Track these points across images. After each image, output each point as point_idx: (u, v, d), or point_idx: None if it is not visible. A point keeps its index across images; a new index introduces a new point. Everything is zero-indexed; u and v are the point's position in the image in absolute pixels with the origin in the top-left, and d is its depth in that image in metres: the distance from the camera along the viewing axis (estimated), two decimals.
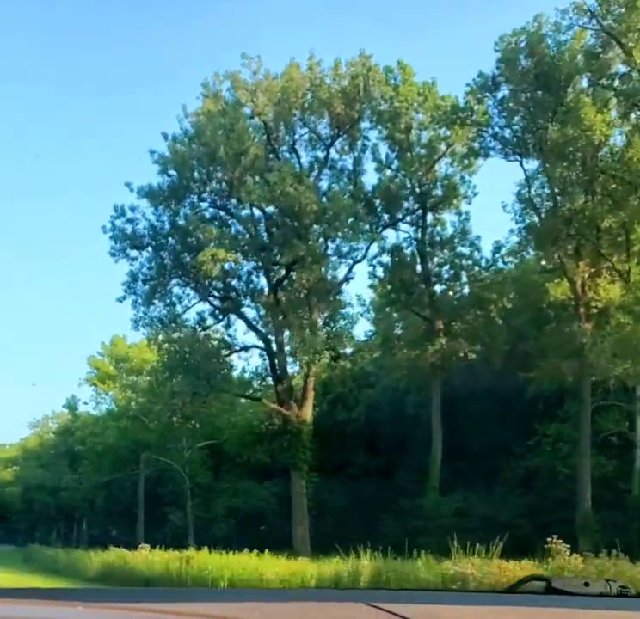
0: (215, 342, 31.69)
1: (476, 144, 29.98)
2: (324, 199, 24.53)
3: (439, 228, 33.41)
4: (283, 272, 28.39)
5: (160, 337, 30.55)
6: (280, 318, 27.60)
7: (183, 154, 26.88)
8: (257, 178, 25.41)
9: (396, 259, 33.48)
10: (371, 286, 34.10)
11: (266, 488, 50.06)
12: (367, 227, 27.10)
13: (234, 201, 28.28)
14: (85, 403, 51.35)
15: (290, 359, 31.77)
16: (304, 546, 29.72)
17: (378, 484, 37.60)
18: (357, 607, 1.59)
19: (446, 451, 33.84)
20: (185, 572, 17.48)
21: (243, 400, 48.97)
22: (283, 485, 49.60)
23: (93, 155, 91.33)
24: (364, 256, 31.49)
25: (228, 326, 33.78)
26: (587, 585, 1.80)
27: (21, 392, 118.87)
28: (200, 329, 32.45)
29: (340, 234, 23.58)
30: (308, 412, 31.10)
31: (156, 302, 33.97)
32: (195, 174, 27.09)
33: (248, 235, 27.34)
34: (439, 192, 32.85)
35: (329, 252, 26.22)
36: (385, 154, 32.77)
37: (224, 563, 17.63)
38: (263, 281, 34.26)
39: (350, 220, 24.45)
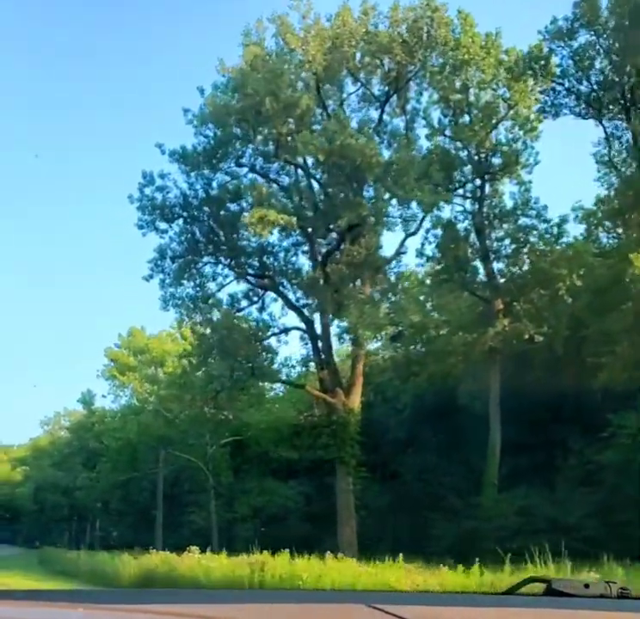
0: (253, 324, 28.72)
1: (543, 101, 26.92)
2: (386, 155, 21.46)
3: (498, 199, 30.40)
4: (335, 241, 25.35)
5: (192, 319, 27.57)
6: (329, 294, 24.57)
7: (223, 109, 23.91)
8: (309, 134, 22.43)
9: (450, 233, 30.49)
10: (421, 264, 30.97)
11: (291, 487, 47.12)
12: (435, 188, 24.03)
13: (280, 163, 25.30)
14: (103, 396, 48.48)
15: (335, 343, 28.81)
16: (351, 548, 26.66)
17: (424, 481, 34.56)
18: (357, 608, 1.63)
19: (501, 445, 30.81)
20: (258, 579, 14.39)
21: (270, 392, 46.46)
22: (311, 483, 46.99)
23: (121, 122, 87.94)
24: (418, 228, 28.54)
25: (262, 308, 30.86)
26: (587, 586, 1.80)
27: (28, 392, 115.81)
28: (234, 310, 29.49)
29: (405, 193, 20.56)
30: (356, 400, 28.09)
31: (184, 282, 31.12)
32: (236, 130, 24.11)
33: (298, 198, 24.26)
34: (498, 159, 29.84)
35: (391, 215, 23.18)
36: (438, 118, 29.79)
37: (302, 568, 14.68)
38: (302, 260, 31.45)
39: (418, 178, 21.44)
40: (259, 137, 23.92)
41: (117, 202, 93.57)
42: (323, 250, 27.89)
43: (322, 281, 26.13)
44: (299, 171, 25.53)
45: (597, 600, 1.76)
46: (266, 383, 29.83)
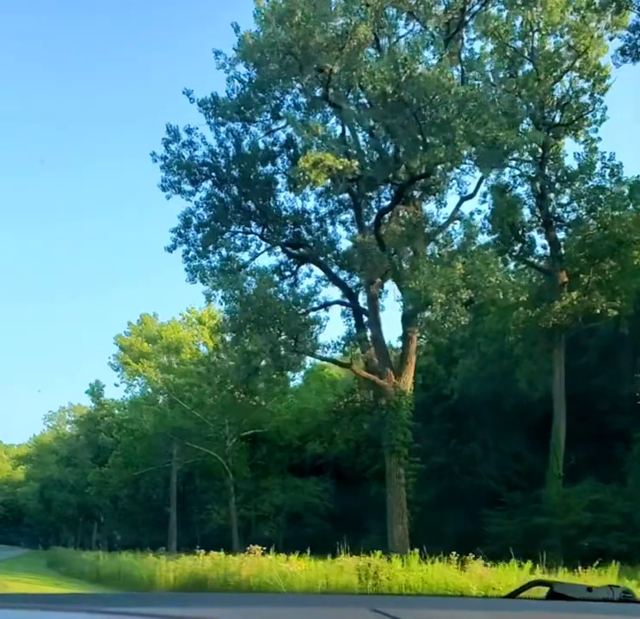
0: (290, 297, 25.61)
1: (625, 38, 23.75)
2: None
3: (561, 160, 27.31)
4: (390, 197, 22.21)
5: (227, 288, 24.45)
6: (385, 258, 21.44)
7: (264, 42, 20.75)
8: (366, 71, 19.31)
9: (506, 198, 27.42)
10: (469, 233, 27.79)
11: (316, 483, 44.02)
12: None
13: (324, 111, 22.21)
14: (116, 385, 45.22)
15: (379, 318, 25.71)
16: (403, 548, 23.52)
17: (472, 474, 31.51)
18: (361, 612, 1.61)
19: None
20: (372, 587, 11.21)
21: (293, 381, 43.24)
22: (338, 478, 43.93)
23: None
24: (476, 190, 25.46)
25: (295, 283, 27.79)
26: (589, 590, 1.80)
27: (28, 390, 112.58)
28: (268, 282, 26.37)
29: (485, 132, 17.44)
30: (408, 381, 24.95)
31: (210, 255, 28.07)
32: (277, 69, 20.91)
33: (353, 149, 20.95)
34: (563, 115, 26.76)
35: (465, 162, 19.94)
36: (495, 69, 26.64)
37: (421, 573, 11.59)
38: (340, 231, 28.35)
39: (500, 115, 18.32)
40: (306, 78, 20.74)
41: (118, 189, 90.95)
42: (373, 212, 24.82)
43: (375, 245, 23.00)
44: (351, 118, 22.24)
45: (600, 604, 1.75)
46: (289, 372, 26.55)
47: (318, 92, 21.59)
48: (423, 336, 28.58)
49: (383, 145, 19.34)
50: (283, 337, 24.00)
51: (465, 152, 17.94)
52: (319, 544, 31.50)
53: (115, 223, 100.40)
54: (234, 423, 42.03)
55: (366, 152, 20.60)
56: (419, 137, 18.34)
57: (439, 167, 19.80)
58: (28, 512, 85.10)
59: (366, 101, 21.13)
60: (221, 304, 26.31)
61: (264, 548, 15.98)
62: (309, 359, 40.51)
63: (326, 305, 26.32)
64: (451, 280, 18.11)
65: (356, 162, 18.52)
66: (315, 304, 26.16)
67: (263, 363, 23.42)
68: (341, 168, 18.05)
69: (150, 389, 43.39)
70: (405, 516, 25.09)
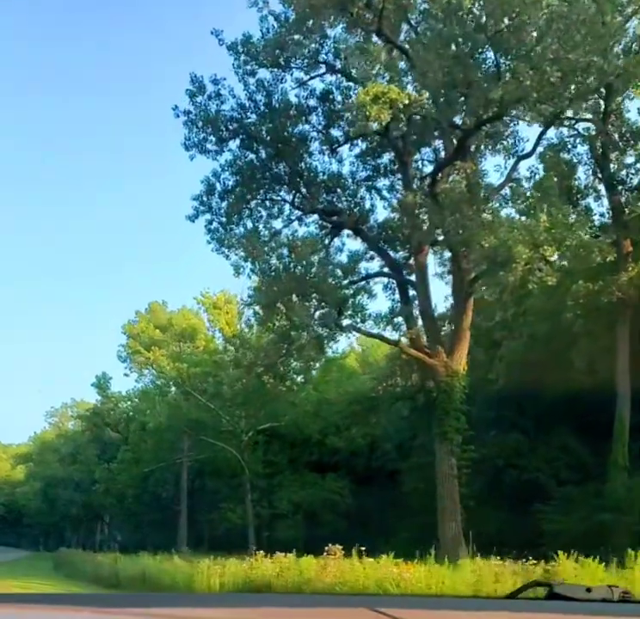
0: (329, 267, 22.99)
1: None
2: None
3: (626, 116, 24.70)
4: (458, 140, 19.52)
5: (257, 258, 21.84)
6: (445, 217, 18.80)
7: None
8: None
9: (563, 160, 24.81)
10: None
11: (334, 480, 41.35)
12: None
13: (383, 40, 19.43)
14: (125, 375, 42.45)
15: (429, 286, 23.09)
16: (458, 548, 20.92)
17: (518, 467, 28.85)
18: (361, 612, 1.61)
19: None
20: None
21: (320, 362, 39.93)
22: (361, 474, 41.32)
23: None
24: (534, 148, 22.82)
25: (327, 257, 25.13)
26: (589, 590, 1.80)
27: (25, 387, 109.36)
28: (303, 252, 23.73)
29: (577, 57, 14.83)
30: (461, 360, 22.31)
31: (234, 226, 25.44)
32: (319, 2, 18.22)
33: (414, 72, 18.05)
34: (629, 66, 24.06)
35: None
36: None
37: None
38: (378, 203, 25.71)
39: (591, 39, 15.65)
40: (354, 9, 18.03)
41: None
42: (419, 174, 22.21)
43: (424, 207, 20.40)
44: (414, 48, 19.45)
45: (599, 604, 1.76)
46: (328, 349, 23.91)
47: (363, 33, 18.93)
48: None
49: (448, 82, 16.76)
50: (324, 310, 21.38)
51: (553, 79, 15.24)
52: (342, 545, 29.04)
53: (119, 207, 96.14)
54: (250, 416, 39.38)
55: (426, 91, 17.96)
56: (494, 68, 15.72)
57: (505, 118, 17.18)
58: (29, 513, 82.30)
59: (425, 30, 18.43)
60: (250, 277, 23.65)
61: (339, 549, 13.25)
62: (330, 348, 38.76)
63: (368, 277, 23.69)
64: (535, 234, 15.49)
65: (425, 94, 15.90)
66: (356, 278, 23.59)
67: (303, 339, 20.73)
68: (406, 102, 15.43)
69: (160, 381, 40.67)
70: (458, 512, 22.44)
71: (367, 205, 24.36)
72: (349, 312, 21.12)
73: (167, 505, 49.11)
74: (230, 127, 23.36)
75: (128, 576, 20.23)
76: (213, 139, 23.64)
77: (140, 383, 42.54)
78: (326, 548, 14.25)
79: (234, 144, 24.30)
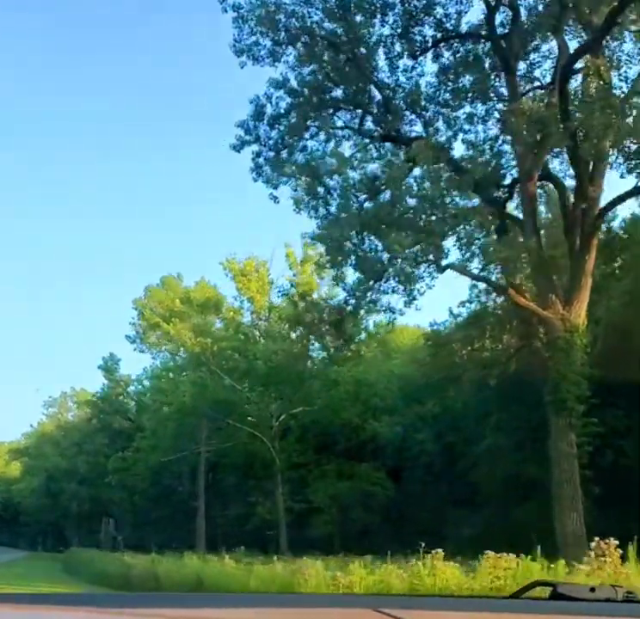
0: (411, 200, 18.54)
1: None
2: None
3: None
4: (605, 20, 15.20)
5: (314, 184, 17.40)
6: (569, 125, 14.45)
7: None
8: None
9: None
10: None
11: (374, 469, 36.99)
12: None
13: None
14: (141, 351, 37.84)
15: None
16: (579, 546, 16.49)
17: (614, 448, 24.56)
18: (365, 613, 1.61)
19: None
20: None
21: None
22: (400, 464, 37.08)
23: None
24: None
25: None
26: (592, 590, 1.80)
27: (18, 386, 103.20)
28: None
29: None
30: (581, 312, 17.99)
31: (282, 157, 21.07)
32: None
33: None
34: None
35: None
36: None
37: None
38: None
39: None
40: None
41: None
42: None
43: (552, 109, 16.02)
44: None
45: (602, 604, 1.76)
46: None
47: None
48: None
49: None
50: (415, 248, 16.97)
51: None
52: (386, 542, 24.44)
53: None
54: (283, 398, 34.95)
55: None
56: None
57: None
58: (25, 511, 77.84)
59: None
60: (311, 217, 19.24)
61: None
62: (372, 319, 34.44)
63: (463, 213, 19.24)
64: None
65: None
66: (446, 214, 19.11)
67: (390, 278, 16.31)
68: None
69: (177, 358, 36.11)
70: (579, 500, 18.08)
71: (460, 126, 19.97)
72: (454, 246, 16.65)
73: (183, 500, 44.65)
74: (291, 27, 18.87)
75: (178, 582, 15.70)
76: (268, 44, 19.17)
77: (157, 360, 38.03)
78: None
79: (293, 54, 19.83)
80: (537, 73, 19.01)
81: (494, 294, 21.80)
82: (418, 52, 19.42)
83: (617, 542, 9.94)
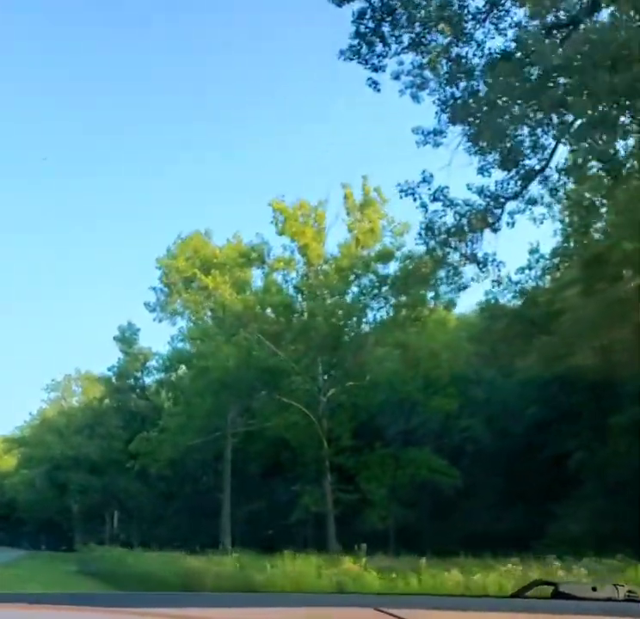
0: None
1: None
2: None
3: None
4: None
5: None
6: None
7: None
8: None
9: None
10: None
11: (437, 455, 31.76)
12: None
13: None
14: (176, 314, 32.25)
15: None
16: None
17: None
18: (365, 612, 1.61)
19: None
20: None
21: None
22: (468, 448, 31.99)
23: None
24: None
25: None
26: (594, 589, 1.80)
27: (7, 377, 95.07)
28: None
29: None
30: None
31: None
32: None
33: None
34: None
35: None
36: None
37: None
38: None
39: None
40: None
41: None
42: None
43: None
44: None
45: (604, 603, 1.75)
46: None
47: None
48: None
49: None
50: None
51: None
52: (456, 541, 20.45)
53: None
54: (335, 366, 29.58)
55: None
56: None
57: None
58: (20, 506, 72.26)
59: None
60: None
61: None
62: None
63: None
64: None
65: None
66: None
67: None
68: None
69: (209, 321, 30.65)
70: None
71: None
72: None
73: (206, 490, 39.30)
74: None
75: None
76: None
77: (182, 329, 32.52)
78: None
79: None
80: None
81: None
82: None
83: None
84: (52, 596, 1.76)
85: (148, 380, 38.31)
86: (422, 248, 19.58)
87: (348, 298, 27.55)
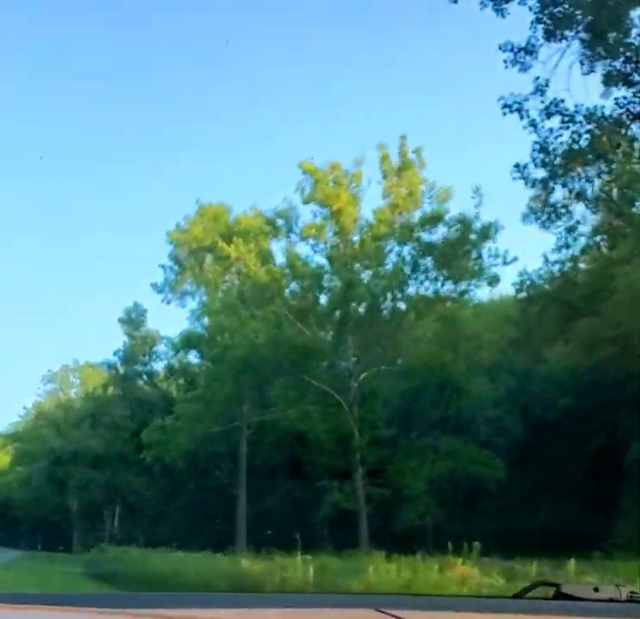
0: None
1: None
2: None
3: None
4: None
5: None
6: None
7: None
8: None
9: None
10: None
11: (480, 446, 28.75)
12: None
13: None
14: (168, 303, 29.36)
15: None
16: None
17: None
18: (366, 613, 1.60)
19: None
20: None
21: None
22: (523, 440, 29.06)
23: None
24: None
25: None
26: (596, 590, 1.80)
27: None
28: None
29: None
30: None
31: None
32: None
33: None
34: None
35: None
36: None
37: None
38: None
39: None
40: None
41: None
42: None
43: None
44: None
45: (606, 604, 1.75)
46: None
47: None
48: None
49: None
50: None
51: None
52: (505, 542, 17.45)
53: None
54: (370, 345, 26.40)
55: None
56: None
57: None
58: (16, 505, 69.27)
59: None
60: None
61: None
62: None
63: None
64: None
65: None
66: None
67: None
68: None
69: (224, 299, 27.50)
70: None
71: None
72: None
73: (220, 486, 36.15)
74: None
75: None
76: None
77: (200, 302, 29.39)
78: None
79: None
80: None
81: None
82: None
83: None
84: (52, 596, 1.74)
85: (156, 366, 35.19)
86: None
87: (384, 270, 24.50)
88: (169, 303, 33.23)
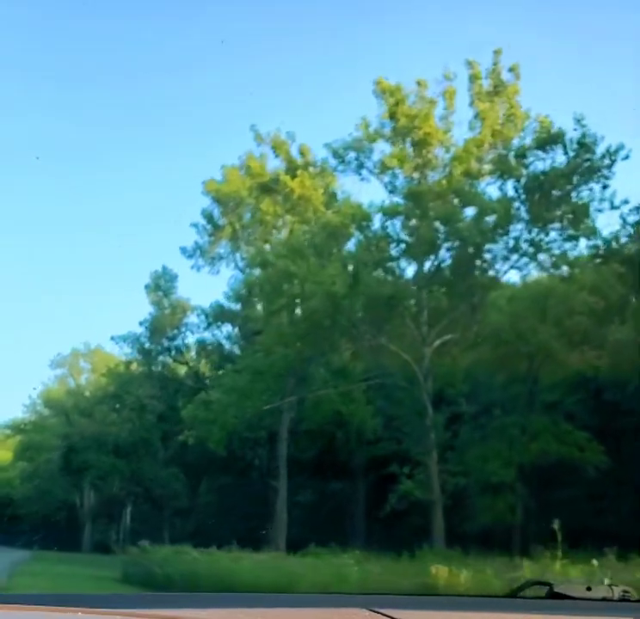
0: None
1: None
2: None
3: None
4: None
5: None
6: None
7: None
8: None
9: None
10: None
11: (574, 427, 24.44)
12: None
13: None
14: (198, 269, 25.23)
15: None
16: None
17: None
18: (358, 612, 1.58)
19: None
20: None
21: None
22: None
23: None
24: None
25: None
26: (589, 589, 1.77)
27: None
28: None
29: None
30: None
31: None
32: None
33: None
34: None
35: None
36: None
37: None
38: None
39: None
40: None
41: None
42: None
43: None
44: None
45: (599, 603, 1.72)
46: None
47: None
48: None
49: None
50: None
51: None
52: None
53: None
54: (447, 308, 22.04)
55: None
56: None
57: None
58: (15, 502, 65.27)
59: None
60: None
61: None
62: None
63: None
64: None
65: None
66: None
67: None
68: None
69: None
70: None
71: None
72: None
73: (256, 477, 31.87)
74: None
75: None
76: None
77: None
78: None
79: None
80: None
81: None
82: None
83: None
84: (53, 596, 1.72)
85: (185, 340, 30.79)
86: None
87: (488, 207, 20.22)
88: (199, 269, 29.01)
